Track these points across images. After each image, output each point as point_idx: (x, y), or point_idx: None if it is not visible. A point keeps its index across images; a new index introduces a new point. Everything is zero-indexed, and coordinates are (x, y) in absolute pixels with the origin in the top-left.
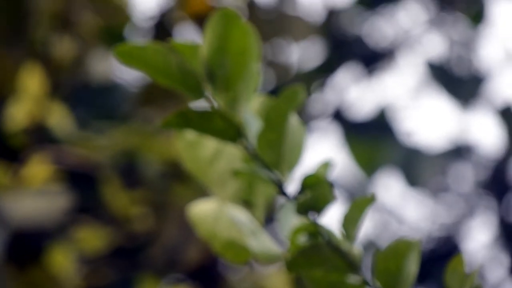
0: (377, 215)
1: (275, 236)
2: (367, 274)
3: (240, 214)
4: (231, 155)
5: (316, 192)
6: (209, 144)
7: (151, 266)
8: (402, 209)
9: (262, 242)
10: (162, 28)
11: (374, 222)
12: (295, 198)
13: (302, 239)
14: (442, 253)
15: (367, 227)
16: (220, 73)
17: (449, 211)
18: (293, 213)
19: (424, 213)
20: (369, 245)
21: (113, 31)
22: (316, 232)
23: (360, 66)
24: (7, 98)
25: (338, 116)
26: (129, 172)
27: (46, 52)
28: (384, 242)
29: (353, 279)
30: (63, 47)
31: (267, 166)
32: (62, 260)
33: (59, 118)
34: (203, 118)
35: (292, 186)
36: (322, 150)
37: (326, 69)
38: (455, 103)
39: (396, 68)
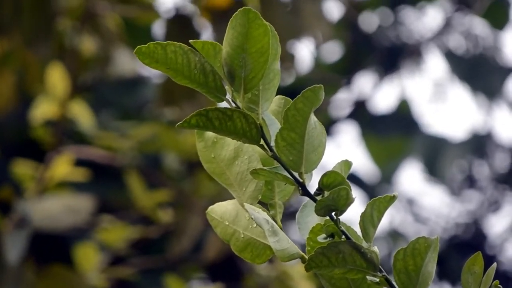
0: (400, 204)
1: (293, 235)
2: (391, 263)
3: (259, 214)
4: (250, 155)
5: (336, 192)
6: (229, 145)
7: (176, 258)
8: (425, 198)
9: (281, 241)
10: (183, 22)
11: (397, 211)
12: (315, 198)
13: (321, 238)
14: (464, 239)
15: (391, 216)
16: (241, 73)
17: (469, 202)
18: (313, 213)
19: (446, 201)
20: (394, 234)
21: (139, 28)
22: (335, 231)
23: (382, 61)
24: (34, 97)
25: (360, 111)
26: (154, 166)
27: (72, 50)
28: (408, 231)
29: (372, 277)
30: (89, 45)
31: (287, 167)
32: (88, 257)
33: (84, 117)
34: (224, 119)
35: (312, 186)
36: (344, 147)
37: (347, 65)
38: (479, 98)
39: (419, 63)
